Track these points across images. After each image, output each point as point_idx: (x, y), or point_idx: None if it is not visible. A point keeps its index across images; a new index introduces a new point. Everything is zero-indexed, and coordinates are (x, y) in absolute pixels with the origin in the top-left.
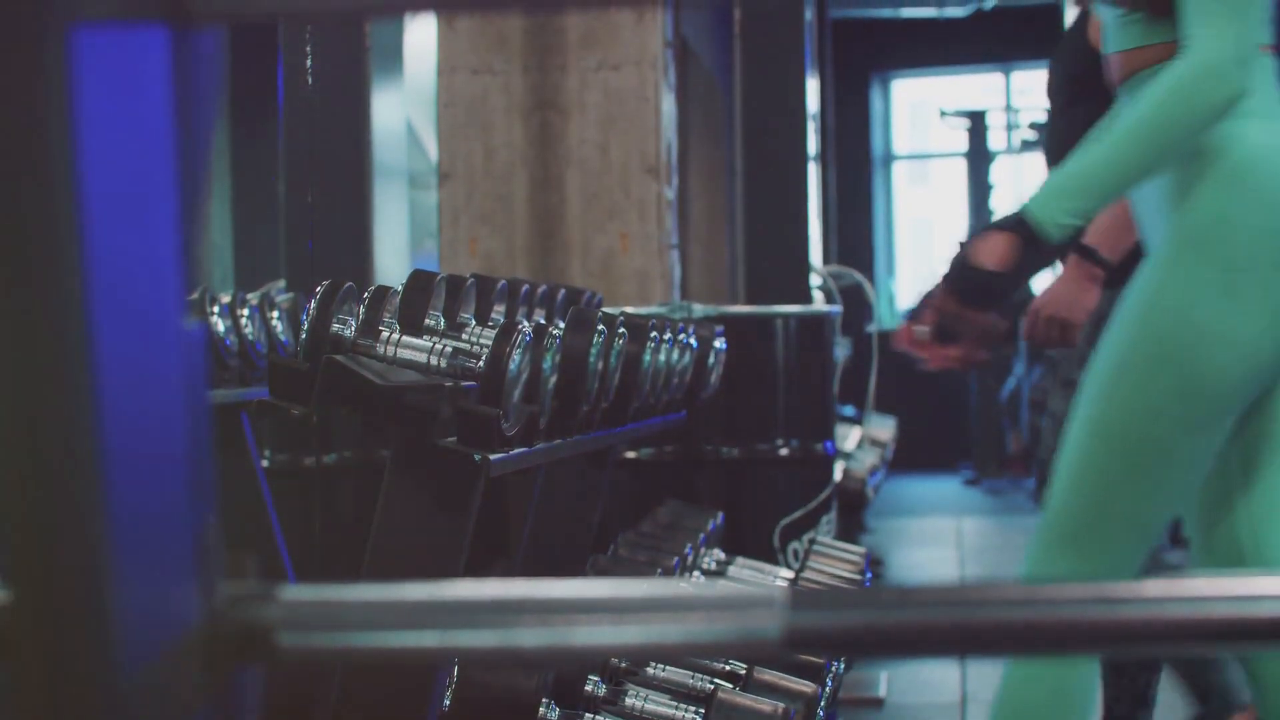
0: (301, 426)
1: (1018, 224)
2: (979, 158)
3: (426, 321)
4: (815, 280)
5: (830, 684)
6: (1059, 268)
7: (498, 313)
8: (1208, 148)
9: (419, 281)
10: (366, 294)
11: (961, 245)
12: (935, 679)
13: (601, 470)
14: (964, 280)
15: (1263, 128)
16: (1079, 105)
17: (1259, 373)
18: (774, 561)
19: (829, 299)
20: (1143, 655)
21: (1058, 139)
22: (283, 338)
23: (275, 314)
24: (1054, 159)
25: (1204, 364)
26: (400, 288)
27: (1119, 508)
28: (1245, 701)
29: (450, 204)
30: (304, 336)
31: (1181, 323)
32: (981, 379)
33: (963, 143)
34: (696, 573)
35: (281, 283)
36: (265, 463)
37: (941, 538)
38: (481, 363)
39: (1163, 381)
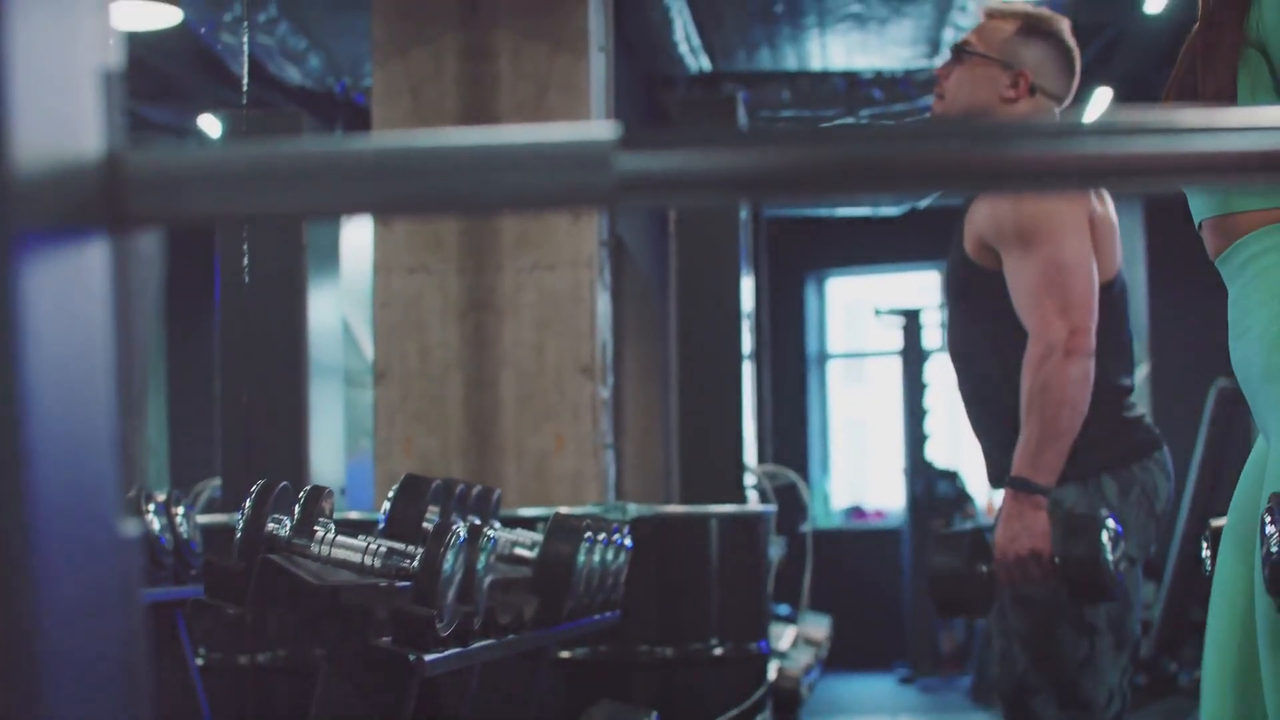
0: (237, 625)
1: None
2: (913, 356)
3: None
4: (750, 480)
5: None
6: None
7: (432, 513)
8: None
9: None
10: (302, 494)
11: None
12: None
13: (536, 670)
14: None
15: None
16: (960, 303)
17: None
18: None
19: (763, 498)
20: None
21: (950, 335)
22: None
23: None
24: (950, 352)
25: None
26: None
27: None
28: None
29: (386, 403)
30: (239, 535)
31: None
32: (915, 578)
33: (898, 341)
34: None
35: (216, 481)
36: (200, 661)
37: None
38: (416, 563)
39: None
